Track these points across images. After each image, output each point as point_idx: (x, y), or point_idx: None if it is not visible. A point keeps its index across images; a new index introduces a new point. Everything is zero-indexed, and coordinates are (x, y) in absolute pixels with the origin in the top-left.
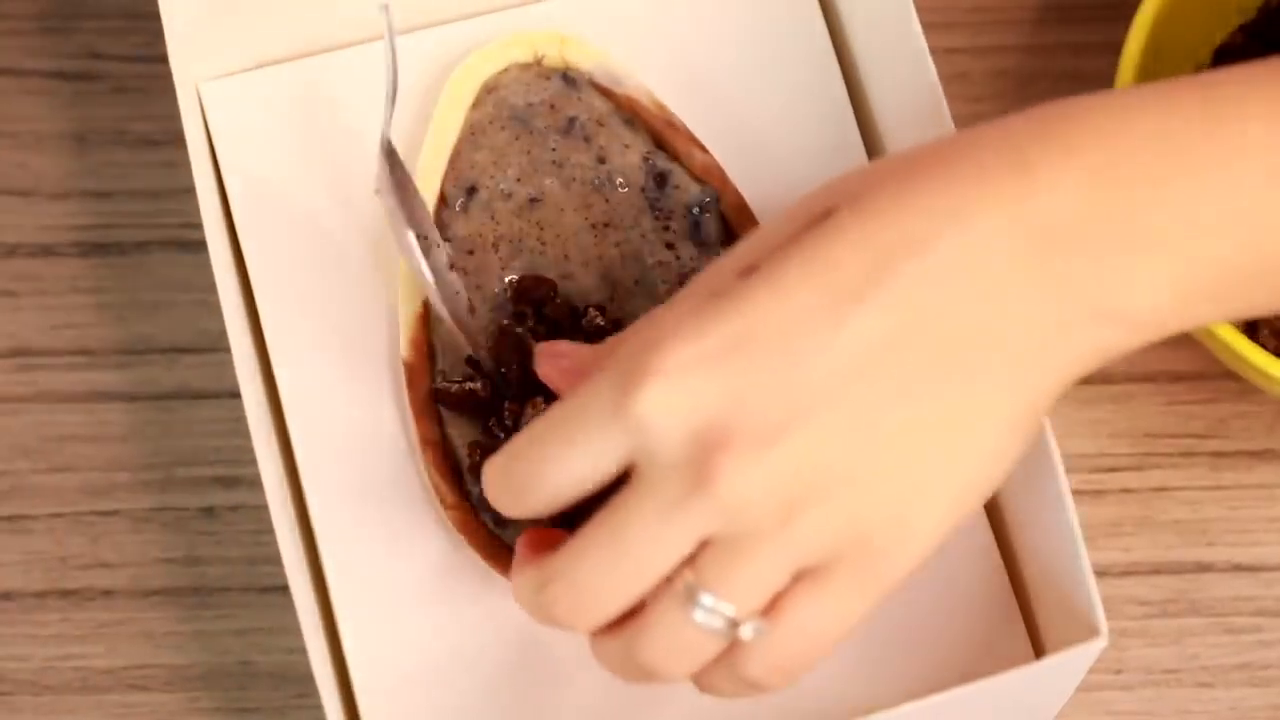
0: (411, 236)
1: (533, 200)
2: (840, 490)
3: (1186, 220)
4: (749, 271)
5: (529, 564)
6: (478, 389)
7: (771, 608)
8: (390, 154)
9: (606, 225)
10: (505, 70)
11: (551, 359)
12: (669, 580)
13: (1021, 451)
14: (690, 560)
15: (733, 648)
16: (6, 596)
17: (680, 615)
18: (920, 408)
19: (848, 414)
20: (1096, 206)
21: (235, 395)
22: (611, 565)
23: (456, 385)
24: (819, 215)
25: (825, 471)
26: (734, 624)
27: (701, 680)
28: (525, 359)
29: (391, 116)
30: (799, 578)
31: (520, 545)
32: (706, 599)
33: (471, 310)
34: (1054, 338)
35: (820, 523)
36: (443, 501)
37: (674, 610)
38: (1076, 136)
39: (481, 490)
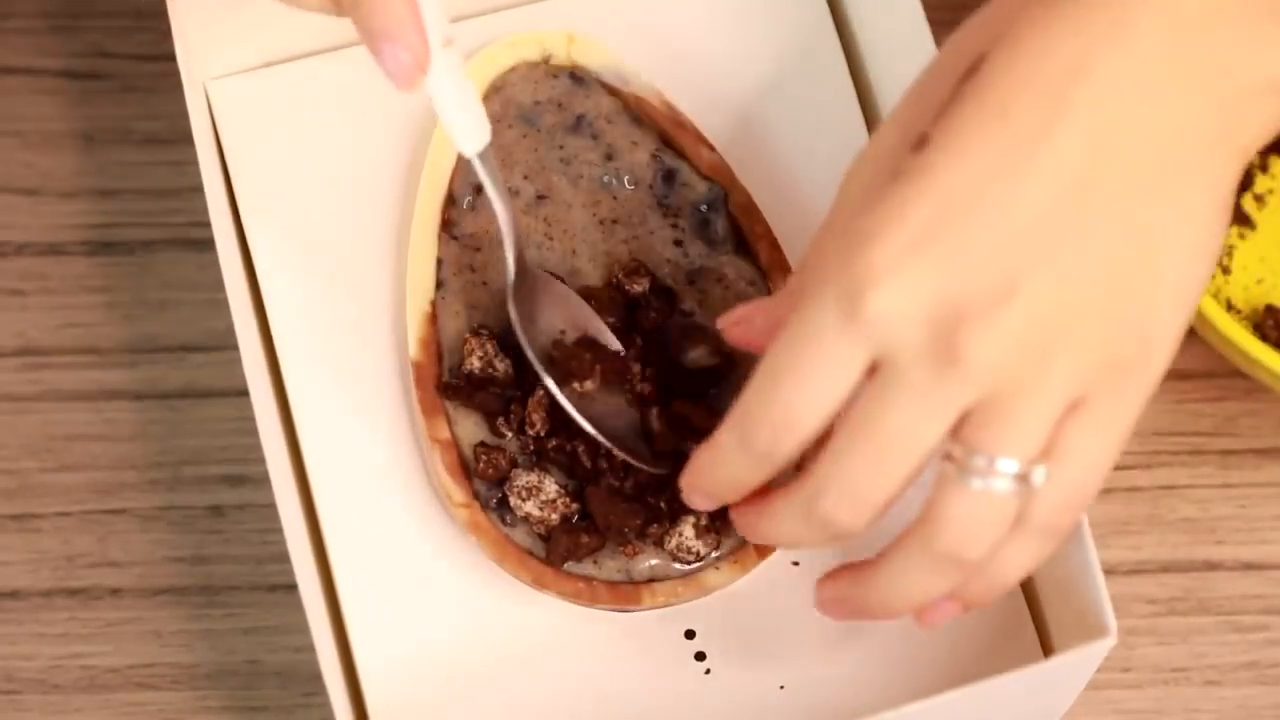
0: (554, 386)
1: (540, 197)
2: (1078, 324)
3: None
4: (921, 142)
5: (778, 497)
6: (498, 374)
7: (1048, 452)
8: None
9: (614, 222)
10: (513, 69)
11: (740, 325)
12: (943, 468)
13: (1223, 232)
14: (956, 440)
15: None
16: (14, 595)
17: (964, 490)
18: (1127, 222)
19: (1063, 251)
20: None
21: (243, 394)
22: (879, 459)
23: (476, 367)
24: (970, 64)
25: (1060, 311)
26: (1021, 477)
27: (999, 567)
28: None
29: (512, 264)
30: (1061, 417)
31: (741, 502)
32: (981, 460)
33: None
34: (1226, 122)
35: (1070, 360)
36: (451, 500)
37: (957, 488)
38: None
39: (488, 489)
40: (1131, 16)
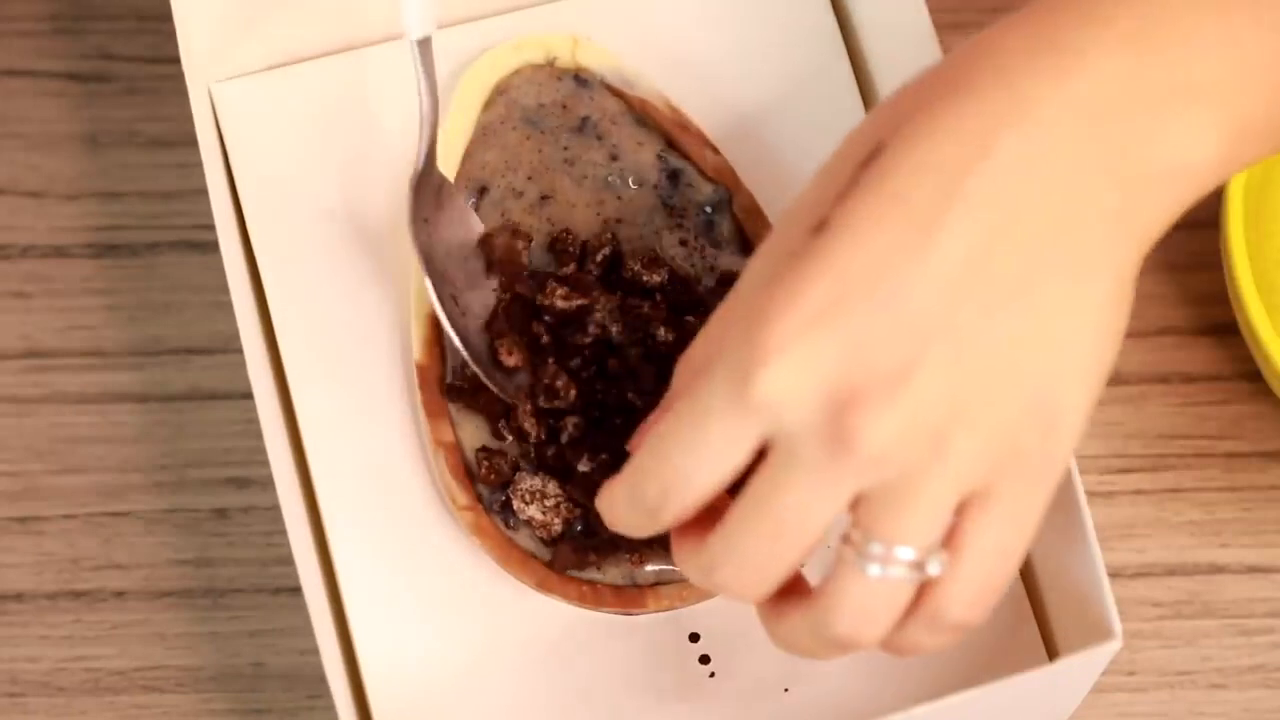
0: (432, 288)
1: (544, 198)
2: (976, 410)
3: (1223, 69)
4: (820, 227)
5: (690, 546)
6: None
7: (949, 541)
8: (417, 188)
9: (619, 221)
10: (517, 71)
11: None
12: (841, 550)
13: (1125, 316)
14: (853, 523)
15: (925, 597)
16: (18, 598)
17: (862, 576)
18: (1025, 306)
19: (960, 335)
20: (1139, 71)
21: (247, 396)
22: (772, 538)
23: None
24: (869, 153)
25: (957, 396)
26: (917, 565)
27: (901, 642)
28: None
29: (423, 158)
30: (965, 506)
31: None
32: (878, 548)
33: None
34: (1127, 207)
35: (968, 447)
36: (455, 503)
37: (854, 572)
38: (1104, 8)
39: (491, 492)
40: (1029, 104)
